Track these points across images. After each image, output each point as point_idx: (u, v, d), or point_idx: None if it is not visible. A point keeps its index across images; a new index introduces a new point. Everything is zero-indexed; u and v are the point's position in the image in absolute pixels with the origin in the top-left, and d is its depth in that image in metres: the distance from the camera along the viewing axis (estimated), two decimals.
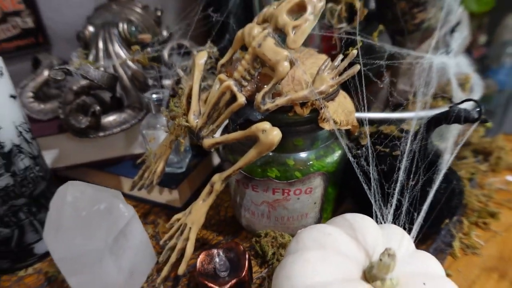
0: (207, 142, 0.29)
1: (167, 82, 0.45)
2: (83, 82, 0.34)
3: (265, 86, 0.27)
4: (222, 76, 0.29)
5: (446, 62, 0.39)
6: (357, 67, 0.26)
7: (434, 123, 0.30)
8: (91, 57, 0.45)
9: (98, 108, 0.36)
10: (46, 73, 0.44)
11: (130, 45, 0.47)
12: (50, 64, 0.46)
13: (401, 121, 0.39)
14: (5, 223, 0.31)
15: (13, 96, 0.31)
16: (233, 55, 0.31)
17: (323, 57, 0.31)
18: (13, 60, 0.56)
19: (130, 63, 0.45)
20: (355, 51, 0.26)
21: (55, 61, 0.47)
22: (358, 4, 0.37)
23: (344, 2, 0.39)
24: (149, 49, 0.42)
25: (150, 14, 0.53)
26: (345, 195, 0.39)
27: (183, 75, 0.40)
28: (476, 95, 0.45)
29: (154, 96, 0.37)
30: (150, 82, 0.43)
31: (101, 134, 0.37)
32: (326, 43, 0.48)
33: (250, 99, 0.28)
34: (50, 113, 0.44)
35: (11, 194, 0.31)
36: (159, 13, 0.54)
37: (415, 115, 0.37)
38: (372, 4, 0.46)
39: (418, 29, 0.42)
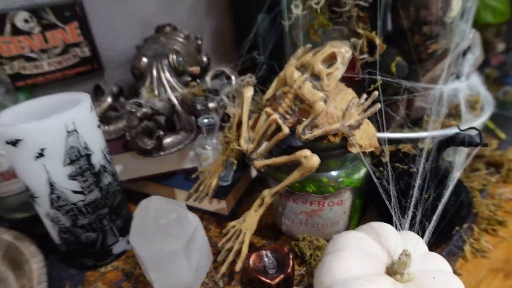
0: (258, 164, 0.36)
1: (211, 105, 0.52)
2: (146, 110, 0.42)
3: (304, 119, 0.34)
4: (268, 110, 0.36)
5: (457, 88, 0.45)
6: (378, 106, 0.33)
7: (443, 145, 0.36)
8: (147, 83, 0.53)
9: (161, 133, 0.43)
10: (109, 99, 0.52)
11: (179, 73, 0.55)
12: (111, 91, 0.54)
13: (416, 140, 0.45)
14: (93, 229, 0.39)
15: (98, 126, 0.39)
16: (276, 91, 0.37)
17: (351, 92, 0.37)
18: (74, 84, 0.65)
19: (180, 90, 0.53)
20: (376, 93, 0.33)
21: (114, 88, 0.55)
22: (378, 41, 0.43)
23: (365, 37, 0.46)
24: (198, 81, 0.49)
25: (191, 43, 0.61)
26: (369, 205, 0.45)
27: (227, 101, 0.48)
28: (486, 113, 0.51)
29: (205, 121, 0.44)
30: (198, 106, 0.50)
31: (162, 153, 0.45)
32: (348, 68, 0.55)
33: (292, 129, 0.35)
34: (113, 133, 0.52)
35: (98, 205, 0.39)
36: (199, 42, 0.61)
37: (428, 135, 0.43)
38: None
39: (431, 57, 0.48)
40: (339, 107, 0.35)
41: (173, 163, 0.50)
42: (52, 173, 0.35)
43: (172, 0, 0.69)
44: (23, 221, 0.51)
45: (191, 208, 0.49)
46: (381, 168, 0.38)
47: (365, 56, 0.47)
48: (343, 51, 0.32)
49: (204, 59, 0.62)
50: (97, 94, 0.57)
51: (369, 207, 0.45)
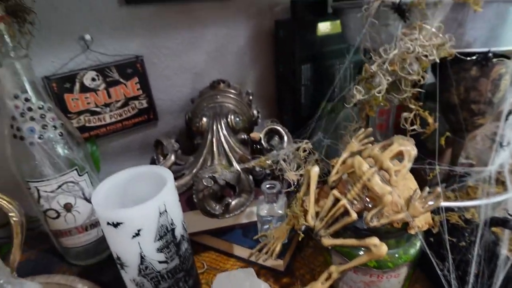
0: (326, 241, 0.40)
1: (268, 162, 0.56)
2: (220, 183, 0.46)
3: (370, 205, 0.38)
4: (336, 193, 0.39)
5: (503, 163, 0.48)
6: (440, 202, 0.36)
7: (494, 223, 0.40)
8: (203, 142, 0.57)
9: (230, 200, 0.47)
10: (172, 158, 0.57)
11: (235, 132, 0.59)
12: (173, 148, 0.58)
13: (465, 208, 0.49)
14: None
15: (179, 200, 0.43)
16: (342, 175, 0.41)
17: (411, 178, 0.41)
18: (130, 133, 0.70)
19: (237, 149, 0.57)
20: (439, 189, 0.36)
21: (175, 145, 0.59)
22: (430, 120, 0.47)
23: (415, 111, 0.49)
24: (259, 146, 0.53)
25: (243, 98, 0.65)
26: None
27: (285, 166, 0.52)
28: None
29: (268, 188, 0.48)
30: (257, 168, 0.54)
31: (227, 216, 0.49)
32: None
33: (359, 213, 0.38)
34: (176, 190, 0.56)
35: (177, 270, 0.43)
36: (250, 97, 0.66)
37: (480, 203, 0.46)
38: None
39: (477, 129, 0.51)
40: (402, 195, 0.38)
41: (232, 219, 0.54)
42: (144, 248, 0.39)
43: (221, 53, 0.73)
44: (87, 267, 0.56)
45: (249, 262, 0.53)
46: (431, 239, 0.42)
47: (415, 127, 0.50)
48: (410, 149, 0.36)
49: (255, 112, 0.66)
50: (157, 148, 0.62)
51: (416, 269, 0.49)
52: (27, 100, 0.45)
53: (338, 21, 0.74)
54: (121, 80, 0.64)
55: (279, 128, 0.60)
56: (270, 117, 0.86)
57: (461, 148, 0.55)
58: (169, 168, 0.57)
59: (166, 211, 0.39)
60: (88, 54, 0.61)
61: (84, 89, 0.61)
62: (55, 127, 0.48)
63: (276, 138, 0.63)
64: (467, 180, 0.50)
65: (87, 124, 0.64)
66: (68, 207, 0.51)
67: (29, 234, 0.64)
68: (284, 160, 0.53)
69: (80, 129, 0.63)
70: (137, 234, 0.38)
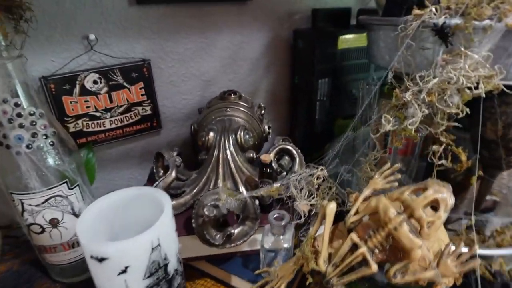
0: None
1: (277, 184, 0.51)
2: (223, 211, 0.41)
3: (394, 257, 0.32)
4: (355, 237, 0.34)
5: None
6: (477, 262, 0.31)
7: None
8: (208, 158, 0.52)
9: (233, 231, 0.42)
10: (173, 174, 0.52)
11: (243, 150, 0.54)
12: (174, 164, 0.53)
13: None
14: None
15: (175, 230, 0.38)
16: (363, 217, 0.36)
17: (443, 231, 0.35)
18: (131, 140, 0.65)
19: (245, 169, 0.52)
20: (477, 248, 0.31)
21: (177, 160, 0.54)
22: (463, 157, 0.41)
23: (446, 144, 0.44)
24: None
25: (254, 112, 0.60)
26: None
27: (296, 193, 0.46)
28: None
29: (275, 220, 0.43)
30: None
31: (228, 246, 0.44)
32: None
33: (379, 264, 0.33)
34: (174, 210, 0.51)
35: None
36: (262, 112, 0.61)
37: None
38: None
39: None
40: (432, 249, 0.33)
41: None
42: (131, 286, 0.34)
43: (233, 60, 0.68)
44: (72, 285, 0.51)
45: None
46: None
47: (444, 162, 0.45)
48: (447, 198, 0.31)
49: (266, 128, 0.61)
50: (157, 161, 0.57)
51: None
52: (17, 105, 0.41)
53: (362, 35, 0.69)
54: (125, 84, 0.59)
55: (290, 148, 0.55)
56: (280, 131, 0.81)
57: (489, 187, 0.50)
58: (169, 184, 0.52)
59: (159, 245, 0.34)
60: (92, 54, 0.56)
61: (85, 92, 0.57)
62: (46, 135, 0.43)
63: (286, 157, 0.58)
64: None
65: (85, 129, 0.59)
66: (54, 223, 0.46)
67: (14, 242, 0.60)
68: (295, 186, 0.48)
69: (77, 134, 0.59)
70: (124, 271, 0.33)
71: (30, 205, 0.45)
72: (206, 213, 0.39)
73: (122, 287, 0.34)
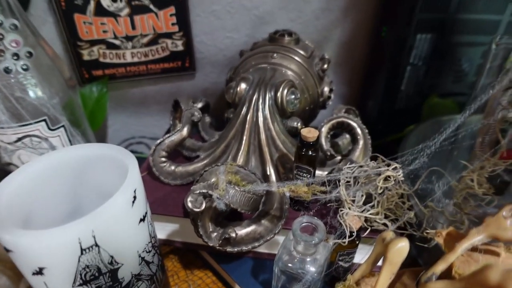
0: None
1: (319, 173, 0.35)
2: (219, 207, 0.27)
3: None
4: None
5: None
6: None
7: None
8: (234, 119, 0.38)
9: (234, 235, 0.28)
10: (184, 132, 0.39)
11: (285, 115, 0.38)
12: (190, 119, 0.40)
13: None
14: None
15: (142, 219, 0.25)
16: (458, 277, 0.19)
17: None
18: (156, 81, 0.53)
19: (280, 144, 0.37)
20: None
21: (196, 113, 0.41)
22: None
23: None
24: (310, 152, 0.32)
25: (312, 66, 0.43)
26: None
27: (345, 197, 0.30)
28: None
29: (300, 232, 0.27)
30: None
31: (229, 249, 0.30)
32: None
33: None
34: (179, 178, 0.39)
35: None
36: (325, 66, 0.43)
37: None
38: None
39: None
40: None
41: None
42: None
43: None
44: None
45: None
46: None
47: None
48: None
49: (326, 90, 0.44)
50: (176, 111, 0.44)
51: None
52: None
53: None
54: (152, 7, 0.46)
55: (354, 124, 0.38)
56: (347, 99, 0.62)
57: None
58: (180, 143, 0.39)
59: (97, 245, 0.21)
60: None
61: (101, 11, 0.45)
62: (17, 56, 0.32)
63: (347, 136, 0.41)
64: None
65: (101, 59, 0.48)
66: None
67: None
68: (347, 185, 0.31)
69: (92, 64, 0.49)
70: (39, 273, 0.21)
71: (2, 141, 0.35)
72: (190, 205, 0.25)
73: None
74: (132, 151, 0.33)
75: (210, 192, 0.25)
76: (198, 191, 0.25)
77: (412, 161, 0.27)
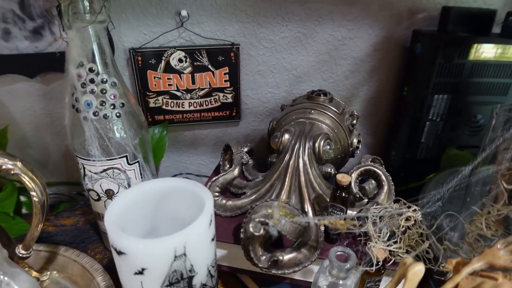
0: None
1: (350, 213, 0.41)
2: (272, 233, 0.34)
3: None
4: None
5: None
6: None
7: None
8: (277, 163, 0.45)
9: (281, 258, 0.35)
10: (236, 172, 0.46)
11: (320, 161, 0.46)
12: (240, 161, 0.48)
13: None
14: None
15: (213, 239, 0.32)
16: None
17: None
18: (207, 127, 0.62)
19: (316, 185, 0.44)
20: None
21: (244, 157, 0.49)
22: None
23: None
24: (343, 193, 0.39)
25: (344, 121, 0.51)
26: None
27: (373, 233, 0.36)
28: None
29: (336, 259, 0.33)
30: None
31: (273, 271, 0.37)
32: None
33: None
34: (229, 211, 0.46)
35: None
36: (354, 121, 0.51)
37: None
38: None
39: None
40: None
41: None
42: None
43: (331, 57, 0.59)
44: None
45: None
46: None
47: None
48: None
49: (355, 141, 0.51)
50: (225, 153, 0.52)
51: None
52: (91, 70, 0.40)
53: (506, 46, 0.53)
54: (210, 67, 0.56)
55: (379, 171, 0.44)
56: (373, 150, 0.69)
57: None
58: (230, 181, 0.46)
59: (185, 254, 0.29)
60: (182, 32, 0.54)
61: (169, 69, 0.55)
62: (114, 106, 0.42)
63: (373, 182, 0.48)
64: None
65: (164, 107, 0.58)
66: (109, 194, 0.45)
67: (87, 200, 0.62)
68: (374, 223, 0.37)
69: (156, 110, 0.58)
70: (140, 273, 0.28)
71: (90, 171, 0.44)
72: (251, 230, 0.32)
73: (138, 287, 0.29)
74: None
75: (267, 220, 0.32)
76: (257, 219, 0.32)
77: (426, 203, 0.33)
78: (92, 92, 0.40)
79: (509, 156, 0.34)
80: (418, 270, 0.27)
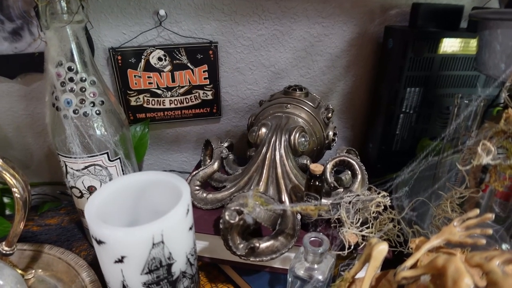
0: None
1: (325, 201, 0.43)
2: (248, 221, 0.35)
3: None
4: None
5: None
6: None
7: None
8: (255, 157, 0.47)
9: (257, 245, 0.36)
10: (215, 166, 0.48)
11: (296, 154, 0.47)
12: (220, 155, 0.49)
13: None
14: None
15: (190, 228, 0.34)
16: (421, 275, 0.27)
17: None
18: (188, 123, 0.63)
19: (293, 176, 0.45)
20: None
21: (224, 151, 0.50)
22: None
23: None
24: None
25: (319, 114, 0.53)
26: None
27: (345, 219, 0.38)
28: None
29: (310, 245, 0.35)
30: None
31: (252, 259, 0.38)
32: None
33: None
34: (209, 203, 0.47)
35: None
36: (330, 115, 0.53)
37: None
38: None
39: None
40: None
41: None
42: (128, 279, 0.31)
43: (308, 53, 0.61)
44: None
45: None
46: None
47: None
48: None
49: (330, 134, 0.53)
50: (206, 149, 0.54)
51: None
52: (70, 69, 0.41)
53: (471, 40, 0.56)
54: (189, 65, 0.57)
55: (352, 162, 0.46)
56: (350, 142, 0.72)
57: None
58: (210, 175, 0.48)
59: (163, 242, 0.30)
60: (160, 31, 0.55)
61: (149, 67, 0.56)
62: (93, 103, 0.42)
63: (349, 173, 0.50)
64: None
65: (145, 105, 0.59)
66: (91, 190, 0.46)
67: (71, 200, 0.63)
68: (347, 209, 0.39)
69: (138, 109, 0.59)
70: (120, 261, 0.29)
71: (72, 168, 0.45)
72: (227, 217, 0.34)
73: (119, 276, 0.31)
74: None
75: (242, 208, 0.34)
76: (233, 208, 0.34)
77: (394, 190, 0.35)
78: (71, 90, 0.41)
79: (471, 142, 0.36)
80: (382, 249, 0.29)
